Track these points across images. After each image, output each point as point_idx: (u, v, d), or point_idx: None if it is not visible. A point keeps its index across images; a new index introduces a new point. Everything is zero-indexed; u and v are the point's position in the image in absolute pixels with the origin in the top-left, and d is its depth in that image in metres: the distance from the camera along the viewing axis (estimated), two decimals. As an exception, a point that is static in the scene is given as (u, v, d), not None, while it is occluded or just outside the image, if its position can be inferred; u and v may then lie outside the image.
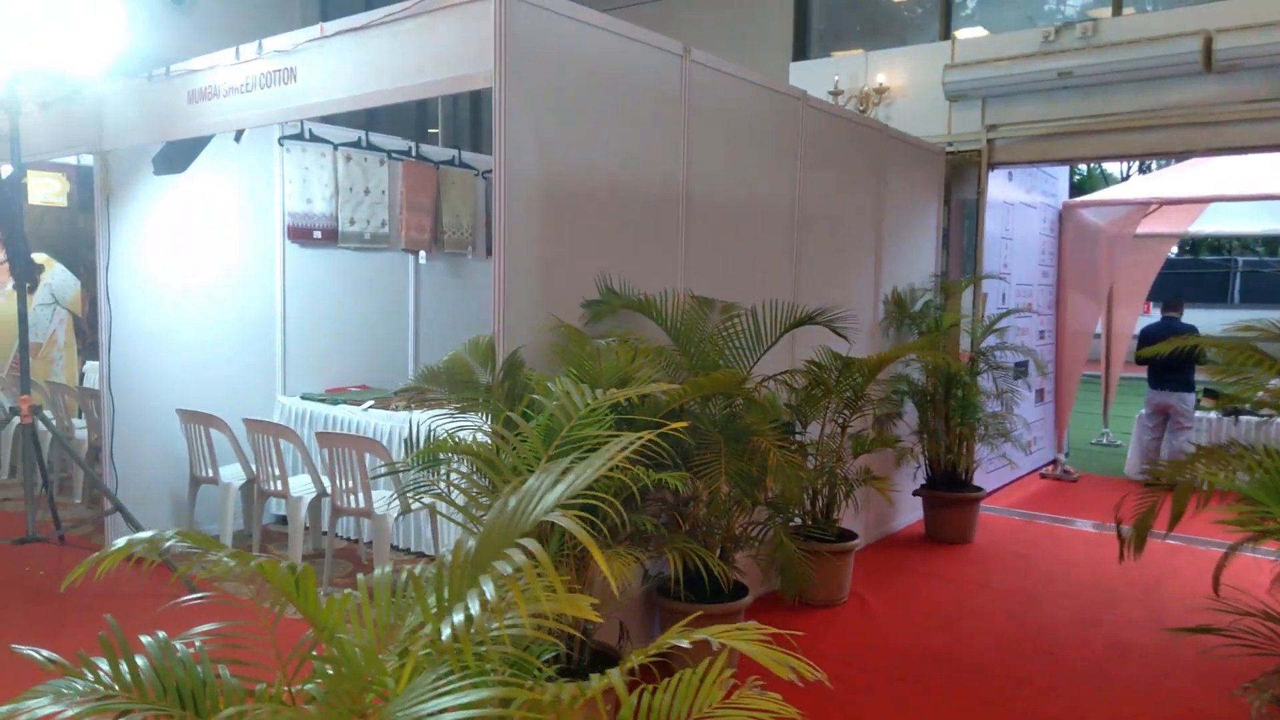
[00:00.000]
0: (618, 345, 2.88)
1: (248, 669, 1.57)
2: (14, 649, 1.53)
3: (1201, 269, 21.08)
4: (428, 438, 3.15)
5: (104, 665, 1.41)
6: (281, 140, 5.87)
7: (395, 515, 4.58)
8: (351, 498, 4.59)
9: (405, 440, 3.21)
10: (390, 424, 5.30)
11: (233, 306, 5.77)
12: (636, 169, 3.82)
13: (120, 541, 1.43)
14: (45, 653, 1.50)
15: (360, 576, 1.62)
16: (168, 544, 1.39)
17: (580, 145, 3.52)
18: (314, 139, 6.03)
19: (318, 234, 6.11)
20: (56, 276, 7.72)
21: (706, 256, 4.18)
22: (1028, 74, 6.12)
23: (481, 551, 1.30)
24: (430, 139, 9.70)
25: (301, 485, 4.95)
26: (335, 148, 6.17)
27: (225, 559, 1.42)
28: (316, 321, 6.15)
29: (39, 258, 7.58)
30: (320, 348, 6.17)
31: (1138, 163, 18.99)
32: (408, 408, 5.48)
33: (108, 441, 5.21)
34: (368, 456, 4.57)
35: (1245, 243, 21.97)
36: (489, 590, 1.17)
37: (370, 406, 5.51)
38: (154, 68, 4.64)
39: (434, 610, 1.32)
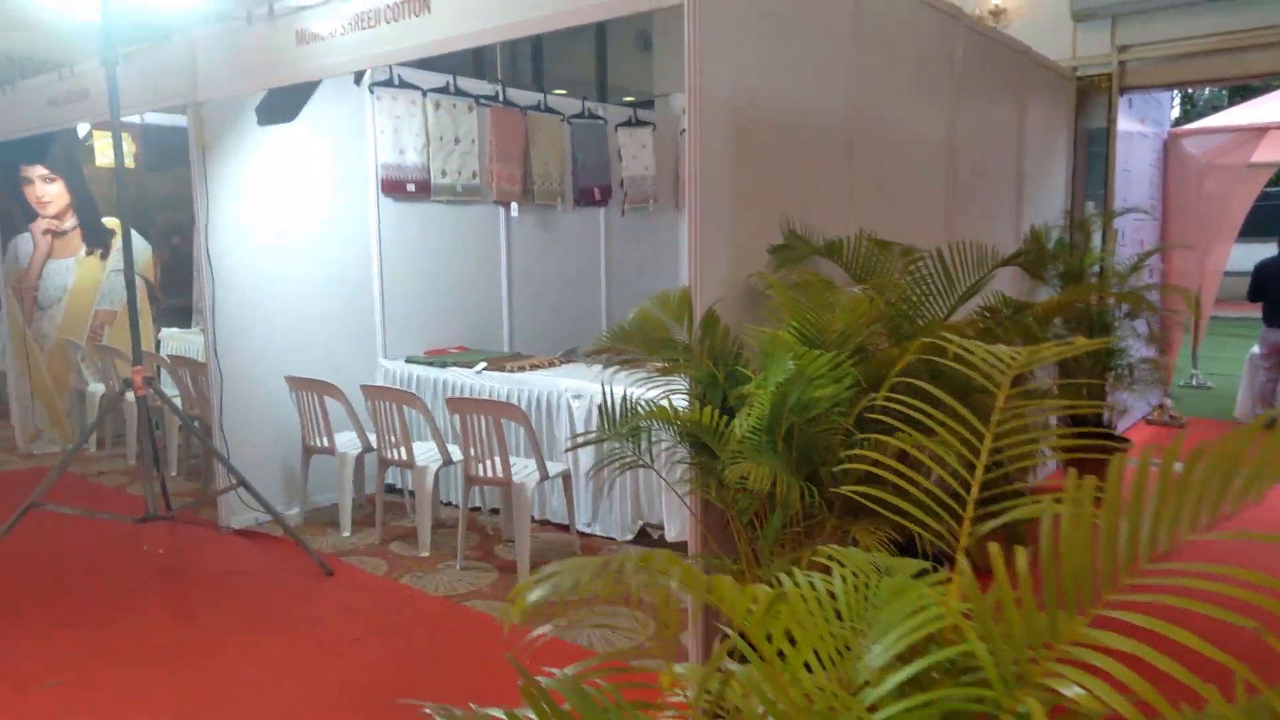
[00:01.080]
0: (865, 294, 2.54)
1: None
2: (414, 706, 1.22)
3: (1266, 200, 20.31)
4: (624, 402, 2.85)
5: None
6: (372, 87, 5.51)
7: (534, 484, 4.31)
8: (484, 466, 4.32)
9: (599, 406, 2.91)
10: (508, 387, 5.01)
11: (330, 266, 5.46)
12: (807, 99, 3.45)
13: (553, 569, 1.09)
14: (459, 713, 1.19)
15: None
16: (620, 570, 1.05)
17: (761, 73, 3.15)
18: (403, 85, 5.67)
19: (411, 187, 5.78)
20: (126, 242, 7.42)
21: (868, 194, 3.81)
22: (1169, -13, 5.64)
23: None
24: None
25: (425, 454, 4.69)
26: (424, 94, 5.80)
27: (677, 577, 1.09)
28: (412, 280, 5.84)
29: (109, 223, 7.29)
30: (417, 308, 5.88)
31: (1178, 93, 18.07)
32: (521, 369, 5.19)
33: (217, 413, 4.96)
34: (505, 423, 4.29)
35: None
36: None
37: (484, 369, 5.22)
38: (250, 6, 4.29)
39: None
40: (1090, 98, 6.19)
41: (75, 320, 7.23)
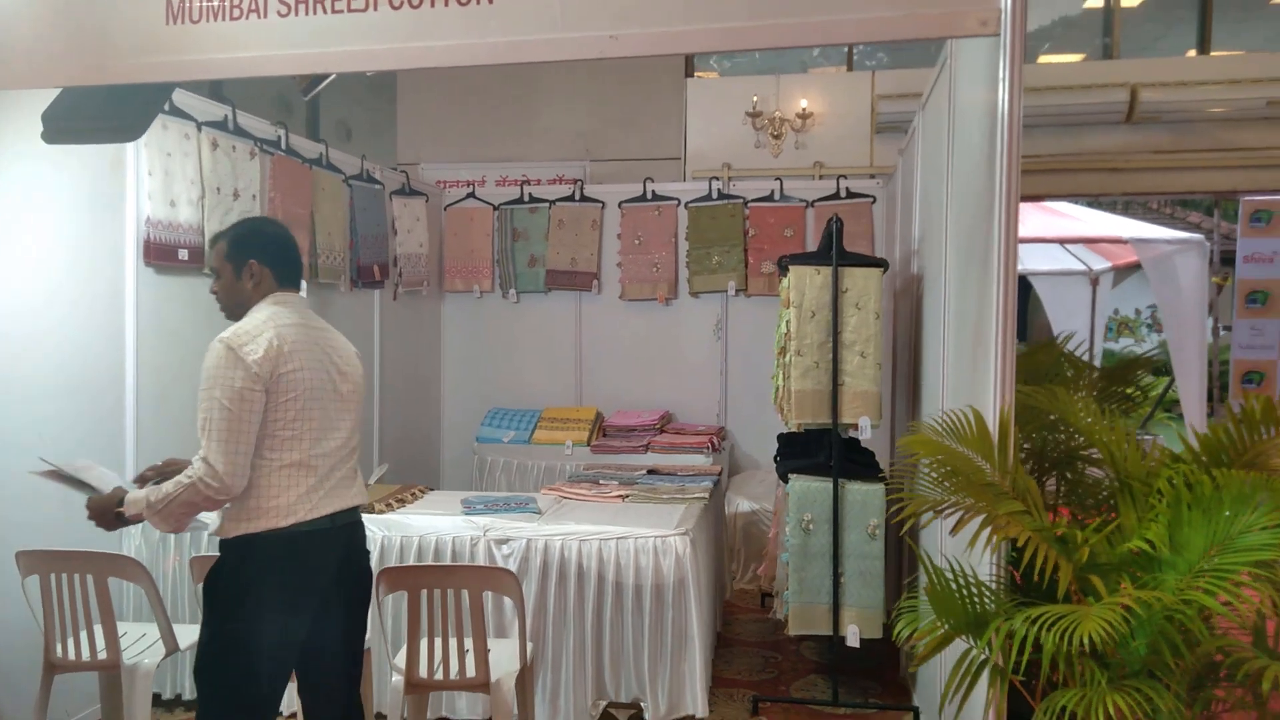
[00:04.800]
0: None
1: None
2: None
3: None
4: (959, 577, 1.97)
5: None
6: (139, 108, 3.77)
7: (511, 685, 3.03)
8: (441, 663, 2.94)
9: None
10: (382, 533, 3.61)
11: (65, 367, 3.56)
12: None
13: None
14: None
15: None
16: None
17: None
18: (175, 111, 3.98)
19: (184, 254, 4.05)
20: None
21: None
22: (963, 110, 6.13)
23: None
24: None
25: (302, 651, 3.10)
26: (199, 128, 4.15)
27: None
28: (172, 386, 4.05)
29: None
30: (176, 423, 4.07)
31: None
32: (389, 507, 3.80)
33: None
34: (488, 599, 2.98)
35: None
36: None
37: (336, 511, 3.71)
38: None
39: None
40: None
41: None
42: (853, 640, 3.73)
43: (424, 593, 2.89)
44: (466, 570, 3.11)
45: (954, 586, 1.94)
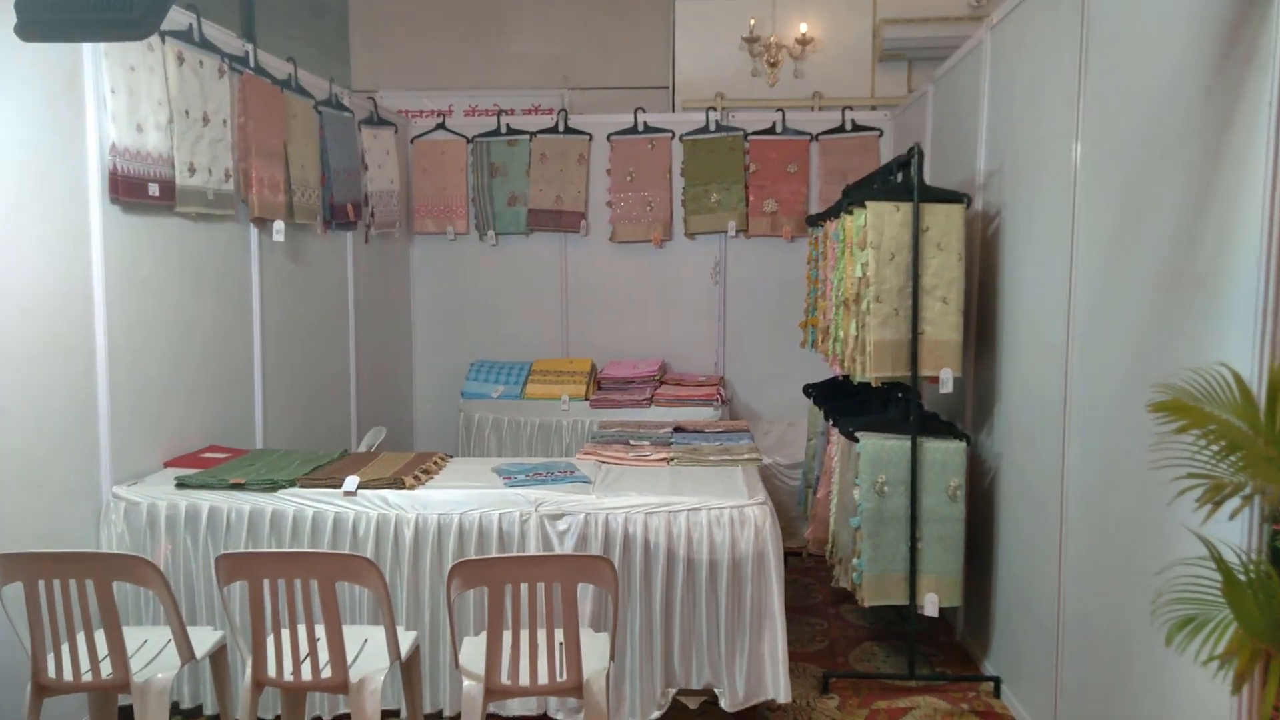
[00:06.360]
0: None
1: None
2: None
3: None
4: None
5: None
6: (97, 10, 3.09)
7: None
8: (521, 665, 2.53)
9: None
10: (415, 512, 3.15)
11: (25, 332, 2.94)
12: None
13: None
14: None
15: None
16: None
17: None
18: (138, 16, 3.31)
19: (154, 189, 3.41)
20: None
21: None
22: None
23: None
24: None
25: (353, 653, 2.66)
26: (164, 39, 3.49)
27: None
28: (147, 349, 3.46)
29: None
30: (151, 394, 3.49)
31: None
32: (417, 481, 3.33)
33: None
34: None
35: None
36: None
37: (359, 485, 3.23)
38: None
39: None
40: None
41: None
42: (931, 610, 3.48)
43: (508, 587, 2.47)
44: (558, 560, 2.68)
45: (1249, 590, 1.64)
